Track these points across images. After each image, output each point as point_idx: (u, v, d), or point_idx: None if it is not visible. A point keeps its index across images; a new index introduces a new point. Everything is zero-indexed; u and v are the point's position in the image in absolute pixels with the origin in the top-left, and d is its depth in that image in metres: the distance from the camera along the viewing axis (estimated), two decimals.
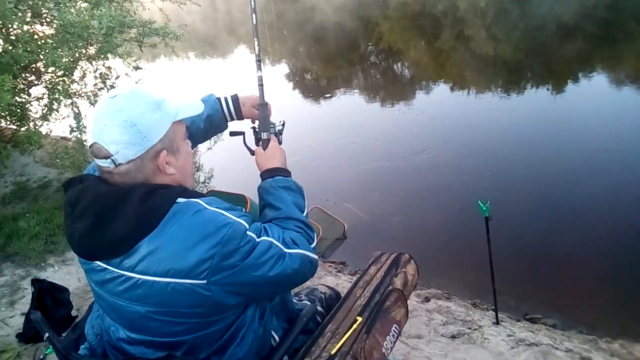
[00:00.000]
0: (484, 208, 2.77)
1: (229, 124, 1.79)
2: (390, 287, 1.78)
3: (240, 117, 1.74)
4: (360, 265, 4.23)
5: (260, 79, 1.67)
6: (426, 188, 5.57)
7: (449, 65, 11.24)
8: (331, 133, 7.50)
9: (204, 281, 1.08)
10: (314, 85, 11.37)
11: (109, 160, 1.11)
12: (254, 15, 1.69)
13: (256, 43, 1.70)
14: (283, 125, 1.69)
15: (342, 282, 3.55)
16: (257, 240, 1.17)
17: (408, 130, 7.45)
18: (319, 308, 1.68)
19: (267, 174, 1.50)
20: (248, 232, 1.16)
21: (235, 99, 1.72)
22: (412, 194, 5.49)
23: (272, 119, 1.69)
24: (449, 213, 4.99)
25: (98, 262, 1.16)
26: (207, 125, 1.68)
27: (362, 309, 1.66)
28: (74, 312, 2.99)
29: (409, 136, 7.13)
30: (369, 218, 5.07)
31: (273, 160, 1.54)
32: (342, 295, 1.81)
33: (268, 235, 1.21)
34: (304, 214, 1.41)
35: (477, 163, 5.87)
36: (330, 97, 9.65)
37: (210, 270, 1.08)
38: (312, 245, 1.33)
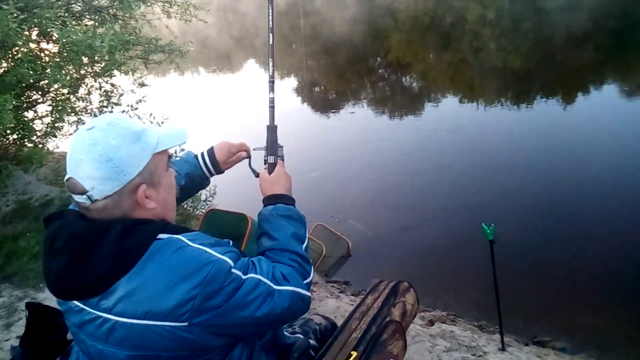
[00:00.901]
0: (488, 231, 2.72)
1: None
2: (387, 319, 1.73)
3: (219, 171, 1.69)
4: (365, 285, 4.14)
5: (271, 100, 1.65)
6: (433, 206, 5.51)
7: (457, 79, 11.20)
8: (337, 149, 7.47)
9: (185, 323, 1.03)
10: (322, 99, 11.37)
11: (84, 196, 1.07)
12: (271, 35, 1.68)
13: (271, 64, 1.68)
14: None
15: (343, 305, 3.48)
16: (244, 277, 1.12)
17: (415, 147, 7.39)
18: (312, 342, 1.62)
19: (269, 200, 1.46)
20: (233, 270, 1.10)
21: (211, 153, 1.67)
22: (418, 212, 5.42)
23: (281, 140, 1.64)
24: (454, 233, 4.91)
25: (75, 303, 1.12)
26: (188, 182, 1.63)
27: (358, 342, 1.61)
28: (69, 336, 2.94)
29: (416, 153, 7.07)
30: (374, 235, 5.01)
31: (278, 186, 1.50)
32: (338, 325, 1.75)
33: (256, 272, 1.16)
34: (304, 245, 1.35)
35: (484, 182, 5.80)
36: (337, 111, 9.64)
37: (192, 312, 1.03)
38: (307, 281, 1.27)
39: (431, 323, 3.36)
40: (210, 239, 1.15)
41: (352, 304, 3.50)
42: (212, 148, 1.68)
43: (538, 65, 10.64)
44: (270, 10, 1.70)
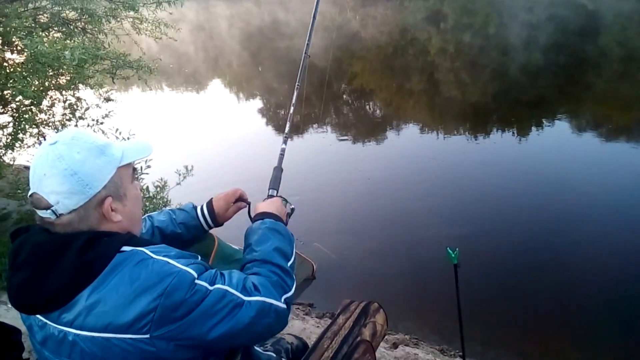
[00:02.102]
0: (453, 255, 2.77)
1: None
2: (358, 338, 1.75)
3: (217, 224, 1.68)
4: (329, 307, 4.17)
5: (282, 150, 1.91)
6: (398, 231, 5.59)
7: (421, 108, 11.48)
8: (303, 173, 7.51)
9: (147, 336, 1.02)
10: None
11: (49, 211, 1.06)
12: (295, 92, 2.00)
13: (288, 125, 1.98)
14: (292, 210, 1.72)
15: (309, 327, 3.48)
16: (210, 289, 1.10)
17: (381, 173, 7.50)
18: None
19: (258, 217, 1.46)
20: (197, 281, 1.08)
21: (209, 206, 1.66)
22: (383, 236, 5.49)
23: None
24: (419, 257, 4.99)
25: (38, 317, 1.10)
26: (183, 231, 1.60)
27: None
28: (25, 355, 2.82)
29: (382, 179, 7.18)
30: (338, 259, 5.03)
31: (270, 207, 1.52)
32: (310, 345, 1.76)
33: (224, 283, 1.13)
34: (289, 262, 1.32)
35: (450, 209, 5.94)
36: (302, 136, 9.70)
37: (153, 323, 1.02)
38: (286, 295, 1.22)
39: (395, 346, 3.40)
40: (174, 251, 1.15)
41: (317, 326, 3.50)
42: (210, 200, 1.68)
43: (496, 97, 11.08)
44: (295, 92, 2.02)
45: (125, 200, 1.17)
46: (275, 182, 1.78)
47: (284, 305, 1.20)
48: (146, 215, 1.59)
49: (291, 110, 2.00)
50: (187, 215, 1.63)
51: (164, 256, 1.10)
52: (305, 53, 2.15)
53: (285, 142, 1.93)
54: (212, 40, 25.37)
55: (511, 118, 9.64)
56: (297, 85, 2.02)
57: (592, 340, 3.81)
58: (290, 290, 1.26)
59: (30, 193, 1.09)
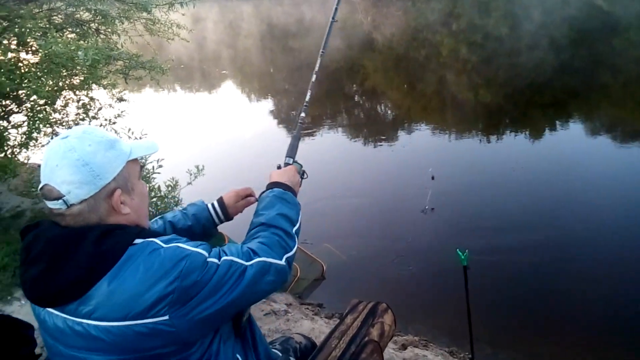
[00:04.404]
0: (462, 257, 2.78)
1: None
2: (366, 338, 1.75)
3: (228, 218, 1.72)
4: (338, 308, 4.17)
5: (302, 118, 1.96)
6: (407, 232, 5.56)
7: (432, 107, 11.44)
8: (313, 173, 7.50)
9: (166, 317, 1.06)
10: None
11: (60, 201, 1.09)
12: (314, 75, 2.05)
13: (308, 94, 2.02)
14: (303, 172, 1.79)
15: (318, 327, 3.48)
16: (219, 262, 1.16)
17: (391, 172, 7.50)
18: (292, 359, 1.63)
19: (270, 186, 1.55)
20: (208, 260, 1.14)
21: (220, 202, 1.71)
22: (392, 239, 5.46)
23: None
24: (429, 259, 4.96)
25: (52, 311, 1.12)
26: (194, 223, 1.64)
27: None
28: (38, 350, 2.85)
29: (392, 178, 7.18)
30: (348, 259, 5.03)
31: (282, 176, 1.59)
32: (318, 344, 1.77)
33: (227, 255, 1.19)
34: (294, 228, 1.40)
35: (458, 210, 5.91)
36: (312, 135, 9.71)
37: (172, 304, 1.06)
38: (287, 254, 1.31)
39: (404, 347, 3.39)
40: (183, 239, 1.19)
41: (327, 326, 3.51)
42: (220, 198, 1.73)
43: (506, 96, 11.00)
44: (320, 59, 2.09)
45: (133, 194, 1.20)
46: (292, 150, 1.82)
47: (284, 263, 1.29)
48: (158, 216, 1.64)
49: (313, 79, 2.04)
50: (198, 208, 1.68)
51: (174, 243, 1.14)
52: (332, 19, 2.24)
53: (304, 111, 1.98)
54: (231, 39, 25.51)
55: (527, 118, 9.55)
56: (322, 52, 2.10)
57: (605, 344, 3.77)
58: (291, 250, 1.34)
59: (41, 186, 1.12)
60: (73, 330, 1.09)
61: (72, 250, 1.06)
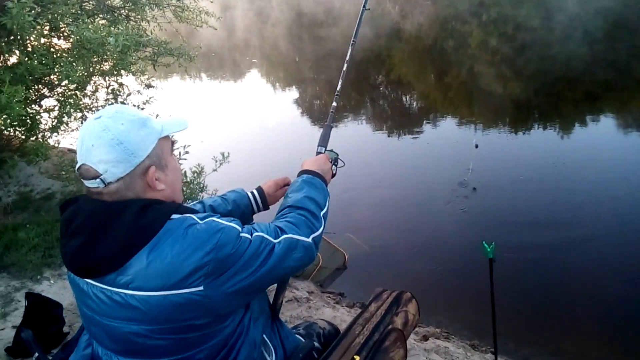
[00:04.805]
0: (488, 249, 2.74)
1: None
2: (390, 327, 1.75)
3: (266, 207, 1.76)
4: (359, 297, 4.18)
5: (333, 107, 1.98)
6: (431, 223, 5.53)
7: (457, 100, 11.27)
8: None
9: (201, 287, 1.08)
10: (324, 112, 11.43)
11: (97, 180, 1.11)
12: (345, 64, 2.06)
13: (340, 83, 2.03)
14: (337, 160, 1.81)
15: (340, 315, 3.49)
16: (251, 238, 1.18)
17: (416, 162, 7.42)
18: (316, 344, 1.64)
19: (300, 174, 1.58)
20: (241, 234, 1.17)
21: (260, 191, 1.76)
22: (416, 229, 5.43)
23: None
24: (452, 251, 4.92)
25: (91, 281, 1.14)
26: (234, 207, 1.68)
27: (361, 347, 1.62)
28: (65, 329, 2.94)
29: (417, 169, 7.11)
30: (370, 250, 5.03)
31: (313, 164, 1.62)
32: (341, 331, 1.77)
33: (257, 231, 1.22)
34: (322, 211, 1.44)
35: (486, 204, 5.81)
36: (336, 126, 9.69)
37: (207, 275, 1.09)
38: (313, 234, 1.34)
39: (425, 338, 3.38)
40: (217, 214, 1.22)
41: (348, 314, 3.52)
42: (260, 186, 1.78)
43: (533, 90, 10.74)
44: (351, 48, 2.10)
45: (167, 170, 1.22)
46: (324, 139, 1.85)
47: (310, 240, 1.32)
48: (196, 201, 1.68)
49: (345, 68, 2.05)
50: (238, 195, 1.72)
51: (209, 218, 1.17)
52: (363, 7, 2.27)
53: (336, 100, 2.00)
54: (259, 27, 25.53)
55: (558, 113, 9.30)
56: (353, 41, 2.11)
57: (633, 341, 3.69)
58: (317, 230, 1.37)
59: (78, 165, 1.14)
60: (112, 300, 1.11)
61: (112, 223, 1.09)
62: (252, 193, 1.74)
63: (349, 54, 2.08)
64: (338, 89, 2.02)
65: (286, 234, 1.27)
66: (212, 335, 1.17)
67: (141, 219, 1.09)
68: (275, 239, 1.23)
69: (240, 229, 1.19)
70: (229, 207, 1.66)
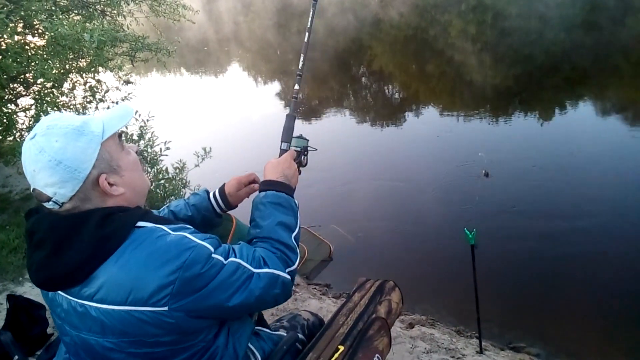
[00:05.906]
0: (470, 236, 2.77)
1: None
2: (373, 315, 1.76)
3: (230, 207, 1.66)
4: (345, 288, 4.20)
5: (296, 92, 1.72)
6: (415, 212, 5.57)
7: (439, 89, 11.30)
8: (320, 155, 7.48)
9: (165, 308, 1.05)
10: (307, 105, 11.41)
11: (50, 202, 1.08)
12: (307, 33, 1.78)
13: (302, 59, 1.74)
14: (306, 148, 1.66)
15: (326, 306, 3.50)
16: (225, 262, 1.14)
17: (398, 153, 7.45)
18: (300, 335, 1.64)
19: (263, 186, 1.46)
20: (213, 255, 1.12)
21: (221, 191, 1.65)
22: (399, 219, 5.47)
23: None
24: (435, 240, 4.97)
25: (60, 293, 1.13)
26: (194, 213, 1.60)
27: (345, 337, 1.63)
28: (49, 330, 2.91)
29: (399, 159, 7.15)
30: (355, 241, 5.05)
31: (275, 171, 1.48)
32: (325, 321, 1.78)
33: (236, 257, 1.17)
34: (293, 234, 1.35)
35: (466, 191, 5.84)
36: (319, 117, 9.67)
37: (172, 296, 1.05)
38: (290, 269, 1.27)
39: (411, 326, 3.41)
40: (191, 228, 1.17)
41: (334, 305, 3.54)
42: (222, 186, 1.67)
43: (508, 76, 10.77)
44: (312, 12, 1.82)
45: (121, 170, 1.16)
46: (287, 133, 1.63)
47: (289, 277, 1.26)
48: (164, 206, 1.62)
49: (306, 38, 1.78)
50: (199, 198, 1.63)
51: (181, 232, 1.13)
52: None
53: (298, 82, 1.73)
54: (242, 19, 25.29)
55: (536, 100, 9.35)
56: (308, 27, 1.81)
57: (614, 323, 3.76)
58: (293, 264, 1.30)
59: (32, 189, 1.10)
60: (76, 312, 1.10)
61: (74, 234, 1.06)
62: (214, 194, 1.64)
63: (307, 36, 1.78)
64: (300, 66, 1.74)
65: (268, 267, 1.21)
66: (182, 350, 1.13)
67: (103, 228, 1.06)
68: (255, 268, 1.19)
69: (212, 249, 1.13)
70: (189, 212, 1.58)
